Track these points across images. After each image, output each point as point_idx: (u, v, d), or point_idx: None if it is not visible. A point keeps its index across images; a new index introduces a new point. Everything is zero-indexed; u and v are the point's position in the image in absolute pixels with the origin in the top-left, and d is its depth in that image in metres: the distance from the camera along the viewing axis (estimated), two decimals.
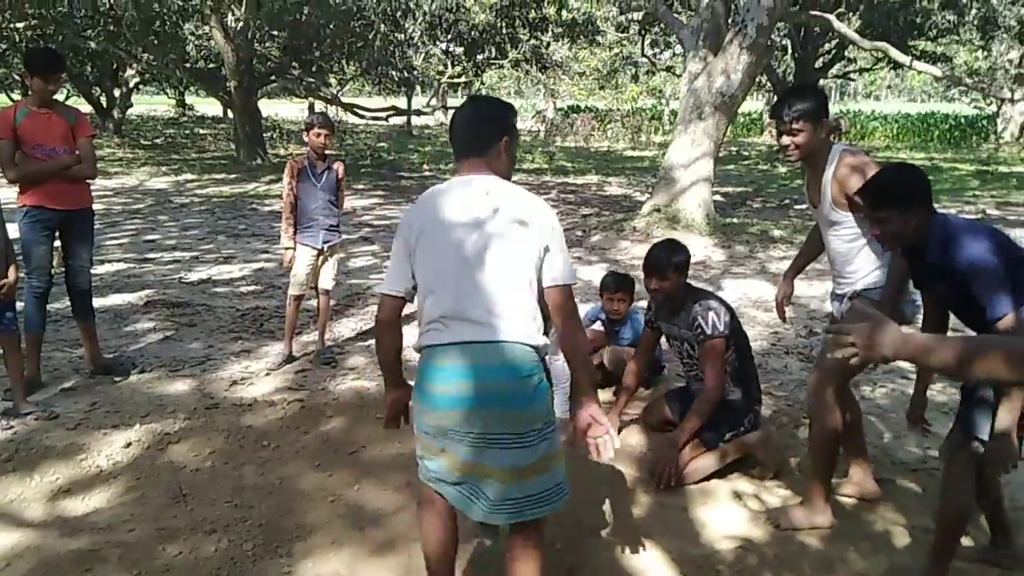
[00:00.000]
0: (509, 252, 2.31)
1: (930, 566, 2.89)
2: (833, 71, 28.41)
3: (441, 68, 24.46)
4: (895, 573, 3.06)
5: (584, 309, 5.18)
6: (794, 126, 3.19)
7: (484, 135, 2.44)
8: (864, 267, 3.32)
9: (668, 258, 3.79)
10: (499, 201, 2.35)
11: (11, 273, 4.18)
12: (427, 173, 18.13)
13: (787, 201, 14.47)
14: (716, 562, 3.14)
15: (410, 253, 2.38)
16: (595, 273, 7.92)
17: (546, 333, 2.43)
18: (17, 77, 23.82)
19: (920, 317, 3.17)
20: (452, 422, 2.28)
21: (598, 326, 5.10)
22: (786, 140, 3.26)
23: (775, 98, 24.85)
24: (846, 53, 26.35)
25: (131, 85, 25.72)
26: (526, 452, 2.28)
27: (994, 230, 2.77)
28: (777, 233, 10.68)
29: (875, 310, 1.64)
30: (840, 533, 3.33)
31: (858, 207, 3.11)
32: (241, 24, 17.52)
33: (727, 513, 3.53)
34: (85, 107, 23.36)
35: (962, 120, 35.43)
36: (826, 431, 3.34)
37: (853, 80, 40.16)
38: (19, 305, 4.47)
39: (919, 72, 14.17)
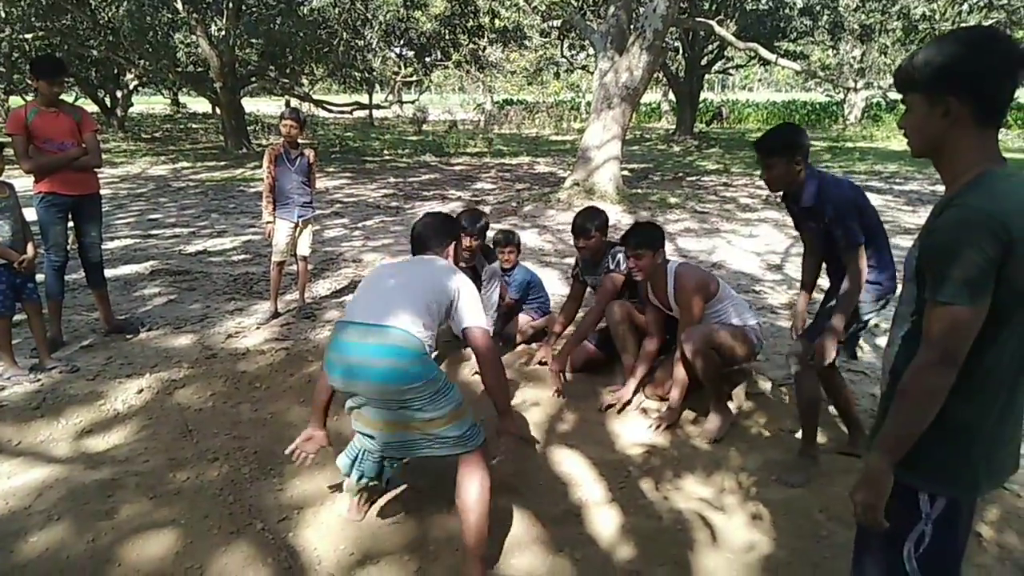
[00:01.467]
0: (418, 285, 2.48)
1: (803, 445, 3.09)
2: (716, 67, 28.45)
3: (396, 69, 24.00)
4: (766, 465, 3.16)
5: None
6: (638, 251, 3.49)
7: (438, 243, 2.72)
8: None
9: (591, 222, 3.92)
10: (427, 261, 2.65)
11: (30, 249, 4.01)
12: (387, 157, 17.78)
13: (680, 174, 14.59)
14: (628, 464, 3.20)
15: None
16: (528, 236, 7.91)
17: None
18: (30, 82, 22.56)
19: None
20: (341, 385, 2.38)
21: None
22: (632, 263, 3.55)
23: (670, 91, 24.64)
24: (725, 53, 26.41)
25: (131, 87, 24.52)
26: (412, 412, 2.33)
27: (853, 184, 2.96)
28: (673, 200, 10.78)
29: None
30: (723, 437, 3.42)
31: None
32: (223, 33, 16.83)
33: (636, 425, 3.60)
34: (91, 107, 22.31)
35: (817, 106, 36.09)
36: (712, 366, 3.41)
37: (731, 75, 40.34)
38: (40, 277, 4.29)
39: (783, 67, 14.32)
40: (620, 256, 3.88)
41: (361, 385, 2.32)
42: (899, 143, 21.36)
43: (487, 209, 10.21)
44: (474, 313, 2.51)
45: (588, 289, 4.33)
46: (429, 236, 2.73)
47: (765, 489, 2.97)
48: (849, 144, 21.68)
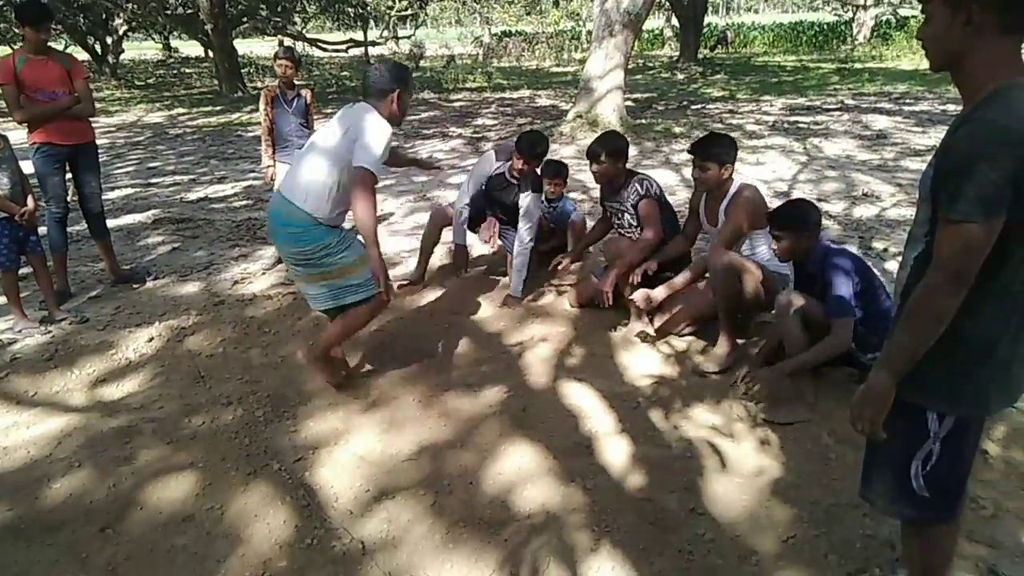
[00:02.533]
0: (328, 158, 2.89)
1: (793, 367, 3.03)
2: None
3: (390, 3, 23.32)
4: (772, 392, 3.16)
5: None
6: (706, 163, 3.45)
7: (379, 88, 2.98)
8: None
9: (601, 147, 3.87)
10: (351, 115, 2.94)
11: (29, 202, 3.97)
12: None
13: (684, 103, 14.30)
14: (637, 395, 3.23)
15: None
16: None
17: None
18: (16, 30, 22.25)
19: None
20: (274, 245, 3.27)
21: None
22: (697, 174, 3.51)
23: (673, 16, 23.98)
24: None
25: (121, 33, 23.97)
26: (311, 268, 2.97)
27: (852, 256, 3.06)
28: (678, 130, 10.59)
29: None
30: (732, 366, 3.43)
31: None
32: None
33: (644, 357, 3.61)
34: (82, 55, 21.90)
35: (824, 26, 35.02)
36: (732, 293, 3.40)
37: None
38: (42, 230, 4.28)
39: None
40: (646, 183, 3.87)
41: (277, 246, 3.11)
42: (909, 62, 20.83)
43: (489, 146, 10.08)
44: (364, 154, 2.79)
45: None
46: (371, 84, 2.99)
47: (773, 415, 3.00)
48: (858, 65, 21.15)
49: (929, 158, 1.47)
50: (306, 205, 2.87)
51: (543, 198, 4.72)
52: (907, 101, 13.23)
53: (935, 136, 9.44)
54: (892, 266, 4.71)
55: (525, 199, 4.22)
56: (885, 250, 5.05)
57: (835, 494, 2.50)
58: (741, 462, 2.72)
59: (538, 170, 4.33)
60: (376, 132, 2.83)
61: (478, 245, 4.85)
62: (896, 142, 9.25)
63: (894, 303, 1.65)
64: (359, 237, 2.94)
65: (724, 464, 2.71)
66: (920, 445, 1.56)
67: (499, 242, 4.49)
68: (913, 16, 29.78)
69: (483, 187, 4.46)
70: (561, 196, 4.73)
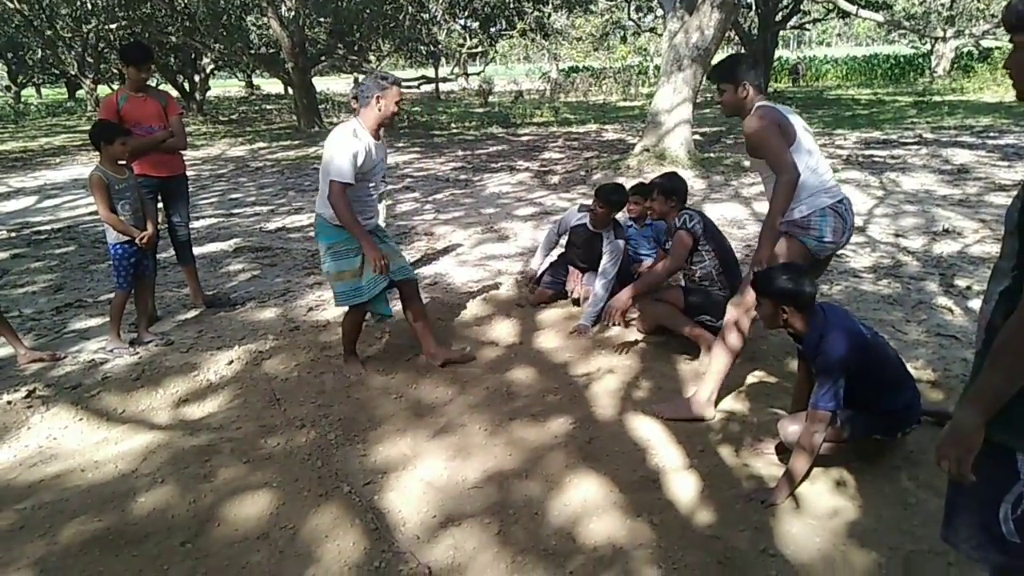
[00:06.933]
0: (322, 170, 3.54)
1: None
2: (791, 23, 27.32)
3: (461, 41, 23.97)
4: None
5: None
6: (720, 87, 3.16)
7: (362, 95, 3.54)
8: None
9: (650, 185, 4.07)
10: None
11: (149, 227, 4.22)
12: (455, 130, 17.85)
13: None
14: (706, 429, 3.18)
15: None
16: None
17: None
18: (116, 70, 23.89)
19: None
20: None
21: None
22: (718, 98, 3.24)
23: (743, 50, 23.84)
24: (801, 7, 25.30)
25: (207, 71, 25.42)
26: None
27: (858, 335, 2.60)
28: (747, 164, 10.45)
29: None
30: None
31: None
32: (293, 13, 17.18)
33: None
34: (171, 92, 23.19)
35: (901, 59, 34.19)
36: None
37: (808, 30, 38.69)
38: None
39: (864, 19, 13.52)
40: (685, 216, 3.82)
41: None
42: (992, 95, 20.07)
43: (555, 179, 10.17)
44: (331, 169, 3.39)
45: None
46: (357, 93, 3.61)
47: (849, 455, 2.90)
48: (937, 98, 20.50)
49: (1015, 192, 1.43)
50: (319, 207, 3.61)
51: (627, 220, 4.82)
52: (991, 135, 12.74)
53: (1022, 171, 9.05)
54: (975, 304, 4.52)
55: (609, 241, 4.44)
56: (968, 288, 4.86)
57: (915, 540, 2.40)
58: (815, 503, 2.64)
59: (616, 216, 4.51)
60: (332, 153, 3.41)
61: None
62: (979, 176, 8.90)
63: (977, 338, 1.59)
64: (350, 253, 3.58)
65: (797, 504, 2.63)
66: (1009, 488, 1.49)
67: (587, 287, 4.66)
68: (997, 47, 28.78)
69: (567, 235, 4.80)
70: (643, 218, 4.79)
